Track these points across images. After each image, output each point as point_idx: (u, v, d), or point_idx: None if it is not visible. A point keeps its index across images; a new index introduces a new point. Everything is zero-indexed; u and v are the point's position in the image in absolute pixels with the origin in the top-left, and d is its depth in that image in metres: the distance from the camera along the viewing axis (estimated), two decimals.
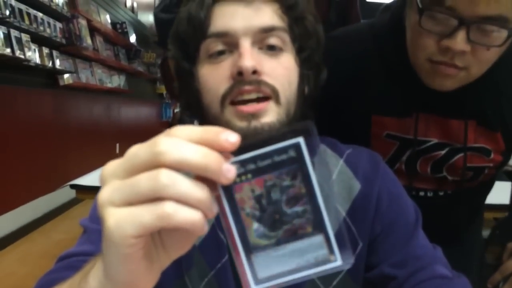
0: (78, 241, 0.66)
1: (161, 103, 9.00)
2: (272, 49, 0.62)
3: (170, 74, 1.19)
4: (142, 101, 7.42)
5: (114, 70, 5.69)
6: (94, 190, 1.79)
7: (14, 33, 3.11)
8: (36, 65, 3.41)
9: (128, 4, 6.68)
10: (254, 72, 0.59)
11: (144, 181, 0.32)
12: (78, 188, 1.83)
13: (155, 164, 0.32)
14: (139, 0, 7.33)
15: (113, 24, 5.79)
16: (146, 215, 0.32)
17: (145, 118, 7.65)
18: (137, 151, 0.34)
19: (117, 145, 5.92)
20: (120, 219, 0.33)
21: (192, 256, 0.66)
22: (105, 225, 0.34)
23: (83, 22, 4.38)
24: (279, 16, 0.63)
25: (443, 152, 0.90)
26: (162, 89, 8.50)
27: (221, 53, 0.62)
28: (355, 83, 0.86)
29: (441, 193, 0.96)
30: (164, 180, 0.32)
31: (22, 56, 3.17)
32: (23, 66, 3.30)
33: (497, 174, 1.00)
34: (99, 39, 5.10)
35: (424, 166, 0.92)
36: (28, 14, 3.37)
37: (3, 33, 3.00)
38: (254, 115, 0.60)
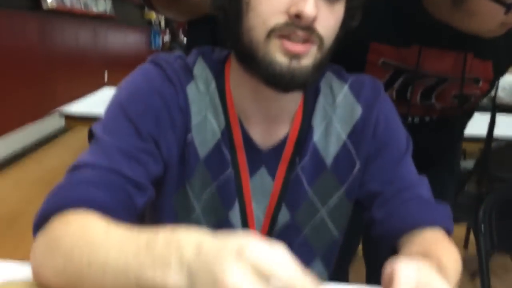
0: (90, 148, 0.66)
1: (150, 31, 8.75)
2: None
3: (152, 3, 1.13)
4: (130, 27, 7.19)
5: None
6: (83, 119, 1.78)
7: None
8: None
9: None
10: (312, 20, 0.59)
11: None
12: (67, 116, 1.82)
13: None
14: None
15: None
16: None
17: (133, 45, 7.47)
18: None
19: (105, 72, 5.82)
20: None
21: (194, 167, 0.70)
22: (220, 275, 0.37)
23: None
24: None
25: (434, 80, 0.92)
26: (151, 15, 8.22)
27: None
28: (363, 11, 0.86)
29: (427, 119, 0.99)
30: None
31: None
32: None
33: (479, 103, 1.04)
34: None
35: (415, 94, 0.94)
36: None
37: None
38: (297, 56, 0.60)
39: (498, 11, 0.70)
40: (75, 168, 0.63)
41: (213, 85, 0.71)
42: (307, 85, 0.65)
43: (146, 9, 7.87)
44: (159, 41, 9.23)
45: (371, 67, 0.90)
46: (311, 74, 0.62)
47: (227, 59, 0.72)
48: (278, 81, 0.61)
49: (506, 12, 0.70)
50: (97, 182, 0.60)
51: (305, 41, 0.60)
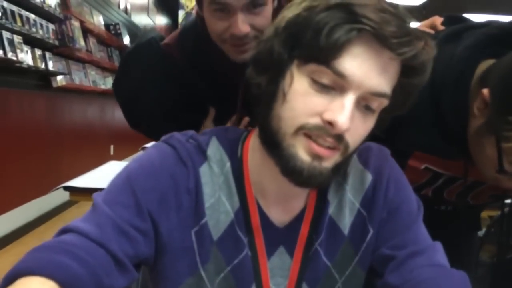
0: (85, 215, 0.64)
1: None
2: (367, 109, 0.60)
3: None
4: None
5: (107, 71, 5.66)
6: (87, 192, 1.77)
7: (6, 34, 3.09)
8: (29, 67, 3.39)
9: (122, 5, 6.66)
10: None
11: None
12: (72, 190, 1.81)
13: None
14: (133, 1, 7.31)
15: (107, 25, 5.77)
16: None
17: None
18: None
19: (111, 146, 5.90)
20: None
21: (209, 251, 0.67)
22: None
23: (76, 23, 4.35)
24: (394, 81, 0.60)
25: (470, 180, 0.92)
26: None
27: (324, 86, 0.58)
28: (406, 121, 0.83)
29: (459, 207, 1.00)
30: None
31: (14, 58, 3.15)
32: (15, 68, 3.28)
33: None
34: (92, 41, 5.07)
35: (451, 195, 0.95)
36: (20, 15, 3.35)
37: None
38: (320, 157, 0.60)
39: (494, 163, 0.72)
40: (63, 231, 0.62)
41: (227, 165, 0.70)
42: (325, 185, 0.65)
43: None
44: None
45: (411, 169, 0.89)
46: (329, 176, 0.61)
47: (246, 138, 0.71)
48: (296, 176, 0.60)
49: (497, 171, 0.72)
50: (77, 251, 0.58)
51: (332, 148, 0.59)
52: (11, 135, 3.37)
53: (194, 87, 1.01)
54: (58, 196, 3.81)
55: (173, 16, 10.02)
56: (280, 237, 0.70)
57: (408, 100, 0.65)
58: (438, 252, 0.70)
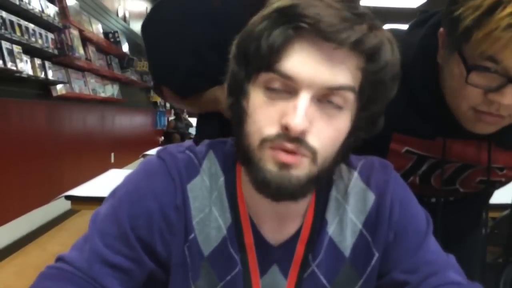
0: (80, 242, 0.67)
1: (156, 111, 9.00)
2: (333, 107, 0.58)
3: (164, 96, 1.19)
4: (136, 109, 7.41)
5: (107, 79, 5.68)
6: (89, 201, 1.77)
7: (5, 44, 3.10)
8: (29, 76, 3.40)
9: (120, 13, 6.69)
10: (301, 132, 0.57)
11: None
12: (73, 199, 1.82)
13: None
14: (131, 9, 7.34)
15: (105, 33, 5.79)
16: None
17: (139, 126, 7.64)
18: None
19: (112, 154, 5.90)
20: None
21: (199, 267, 0.67)
22: None
23: (75, 32, 4.37)
24: (354, 72, 0.58)
25: (458, 167, 0.91)
26: (156, 97, 8.49)
27: (279, 90, 0.58)
28: None
29: (451, 199, 0.98)
30: None
31: (14, 68, 3.16)
32: (15, 77, 3.29)
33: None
34: (91, 49, 5.09)
35: (438, 180, 0.93)
36: (20, 25, 3.36)
37: None
38: (288, 166, 0.58)
39: (462, 74, 0.70)
40: (60, 259, 0.66)
41: (221, 180, 0.68)
42: (299, 196, 0.61)
43: (151, 91, 8.15)
44: (164, 121, 9.45)
45: (394, 154, 0.89)
46: (302, 185, 0.58)
47: None
48: (265, 188, 0.59)
49: (466, 80, 0.70)
50: (72, 279, 0.63)
51: (294, 153, 0.57)
52: (12, 144, 3.37)
53: (227, 31, 1.01)
54: (60, 205, 3.81)
55: None
56: (273, 255, 0.68)
57: (380, 92, 0.62)
58: (451, 268, 0.68)
